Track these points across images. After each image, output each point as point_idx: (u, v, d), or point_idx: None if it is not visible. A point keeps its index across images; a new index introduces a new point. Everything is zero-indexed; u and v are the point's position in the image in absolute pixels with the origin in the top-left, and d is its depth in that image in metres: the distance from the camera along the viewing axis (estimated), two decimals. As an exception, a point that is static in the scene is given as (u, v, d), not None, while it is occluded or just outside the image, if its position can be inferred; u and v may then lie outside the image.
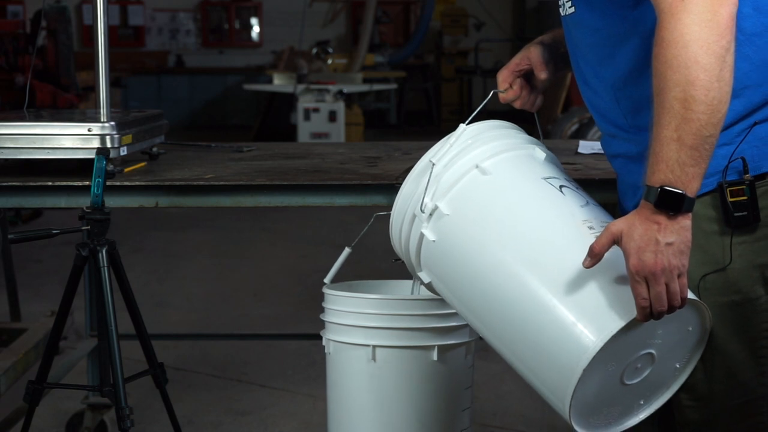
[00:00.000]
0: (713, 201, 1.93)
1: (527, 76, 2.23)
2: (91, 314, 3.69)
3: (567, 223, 1.93)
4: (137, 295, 2.84)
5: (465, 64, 15.72)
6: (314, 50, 12.45)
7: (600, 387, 1.86)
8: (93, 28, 2.71)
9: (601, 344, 1.79)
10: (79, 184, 2.62)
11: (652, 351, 1.88)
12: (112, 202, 2.64)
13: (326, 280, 2.63)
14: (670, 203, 1.77)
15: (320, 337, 2.66)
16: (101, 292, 2.63)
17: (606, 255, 1.84)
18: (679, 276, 1.79)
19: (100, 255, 2.63)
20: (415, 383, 2.55)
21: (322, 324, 2.64)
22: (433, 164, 2.04)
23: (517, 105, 2.24)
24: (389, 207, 2.17)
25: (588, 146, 3.00)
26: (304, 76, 11.07)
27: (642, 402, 1.95)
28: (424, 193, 2.03)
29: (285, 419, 4.02)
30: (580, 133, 8.40)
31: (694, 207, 1.92)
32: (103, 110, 2.71)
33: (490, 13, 15.49)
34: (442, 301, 2.55)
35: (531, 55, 2.20)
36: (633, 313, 1.80)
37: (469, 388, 2.65)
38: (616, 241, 1.81)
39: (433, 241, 2.02)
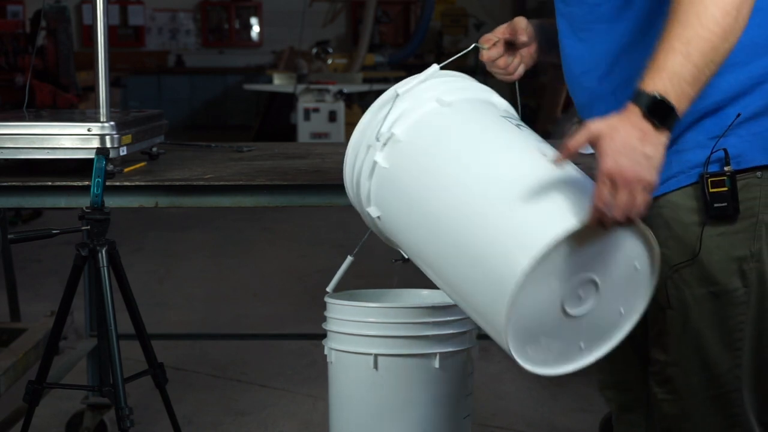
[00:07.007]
0: (695, 192, 1.94)
1: (511, 45, 2.23)
2: (91, 314, 3.69)
3: (520, 148, 1.91)
4: (137, 295, 2.84)
5: (465, 64, 15.73)
6: (314, 50, 12.44)
7: (540, 309, 1.79)
8: (93, 28, 2.71)
9: (544, 249, 1.73)
10: (79, 184, 2.62)
11: (596, 279, 1.81)
12: (112, 202, 2.64)
13: (328, 288, 2.62)
14: (661, 114, 1.75)
15: (320, 337, 2.66)
16: (101, 292, 2.63)
17: (551, 172, 1.80)
18: (643, 191, 1.75)
19: (99, 255, 2.63)
20: (416, 391, 2.55)
21: (322, 326, 2.64)
22: (398, 95, 2.02)
23: (499, 65, 2.21)
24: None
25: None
26: (304, 76, 11.07)
27: (582, 345, 1.87)
28: (383, 122, 2.01)
29: (285, 419, 4.02)
30: (580, 133, 8.39)
31: (674, 197, 1.93)
32: (103, 110, 2.71)
33: (490, 13, 15.50)
34: (443, 309, 2.56)
35: (515, 24, 2.20)
36: (581, 219, 1.75)
37: (470, 395, 2.65)
38: (592, 140, 1.77)
39: (386, 168, 2.00)
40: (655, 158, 1.75)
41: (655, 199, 2.00)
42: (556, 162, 1.79)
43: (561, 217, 1.76)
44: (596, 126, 1.77)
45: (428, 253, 1.97)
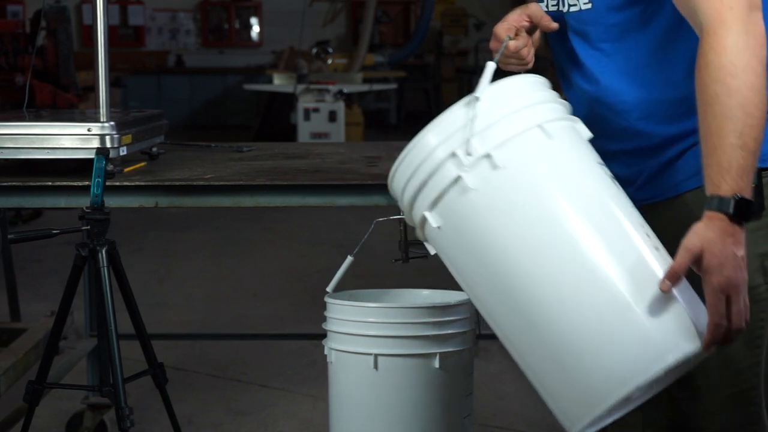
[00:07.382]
0: None
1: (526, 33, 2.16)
2: (91, 314, 3.69)
3: (631, 234, 1.82)
4: (137, 295, 2.84)
5: (465, 64, 15.72)
6: (314, 50, 12.44)
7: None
8: (93, 28, 2.71)
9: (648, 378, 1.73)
10: (79, 184, 2.62)
11: (663, 375, 1.80)
12: (112, 202, 2.64)
13: (328, 288, 2.61)
14: (744, 213, 1.77)
15: (320, 337, 2.66)
16: (101, 292, 2.63)
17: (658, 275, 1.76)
18: (747, 292, 1.78)
19: (99, 255, 2.63)
20: (416, 391, 2.55)
21: (322, 326, 2.64)
22: (478, 99, 1.84)
23: (523, 54, 2.12)
24: (389, 210, 2.13)
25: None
26: (304, 76, 11.07)
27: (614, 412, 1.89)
28: (472, 134, 1.83)
29: (285, 419, 4.02)
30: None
31: (700, 194, 1.93)
32: (103, 110, 2.71)
33: (490, 13, 15.49)
34: (442, 309, 2.56)
35: (531, 12, 2.11)
36: (700, 343, 1.75)
37: (470, 395, 2.65)
38: (695, 260, 1.76)
39: (472, 189, 1.82)
40: (744, 256, 1.77)
41: (678, 197, 2.00)
42: (664, 290, 1.75)
43: (676, 339, 1.75)
44: (693, 244, 1.76)
45: (496, 310, 1.88)
